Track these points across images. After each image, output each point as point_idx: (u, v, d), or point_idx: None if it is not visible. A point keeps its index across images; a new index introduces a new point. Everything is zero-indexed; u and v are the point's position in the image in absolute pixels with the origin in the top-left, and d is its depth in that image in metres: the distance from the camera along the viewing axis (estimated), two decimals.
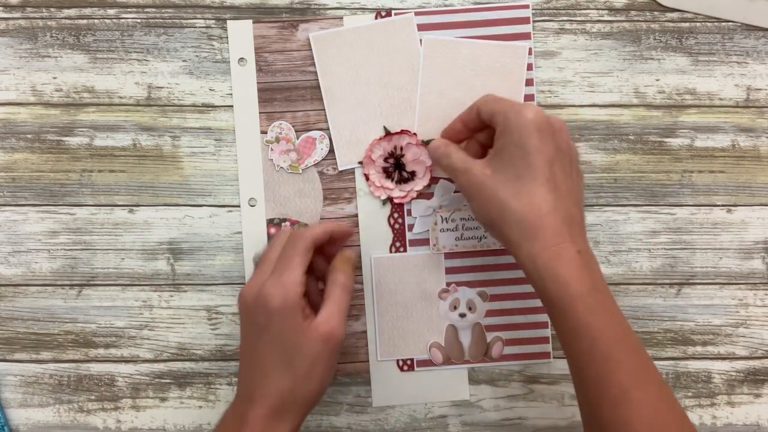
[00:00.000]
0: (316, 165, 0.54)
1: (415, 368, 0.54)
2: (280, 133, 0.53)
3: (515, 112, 0.44)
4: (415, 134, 0.53)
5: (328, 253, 0.49)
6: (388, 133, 0.53)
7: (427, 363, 0.54)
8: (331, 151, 0.53)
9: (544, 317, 0.53)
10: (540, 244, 0.42)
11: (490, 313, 0.54)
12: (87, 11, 0.53)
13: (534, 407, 0.54)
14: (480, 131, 0.49)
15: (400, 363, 0.54)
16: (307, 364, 0.44)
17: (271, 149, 0.53)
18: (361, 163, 0.53)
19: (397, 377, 0.54)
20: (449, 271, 0.54)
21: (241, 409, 0.45)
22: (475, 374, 0.54)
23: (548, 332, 0.54)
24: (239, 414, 0.45)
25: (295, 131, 0.53)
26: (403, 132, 0.53)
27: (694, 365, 0.54)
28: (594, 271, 0.42)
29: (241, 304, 0.46)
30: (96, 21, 0.53)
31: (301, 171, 0.53)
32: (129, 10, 0.53)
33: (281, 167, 0.53)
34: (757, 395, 0.54)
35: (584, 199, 0.47)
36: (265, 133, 0.53)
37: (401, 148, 0.53)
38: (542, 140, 0.43)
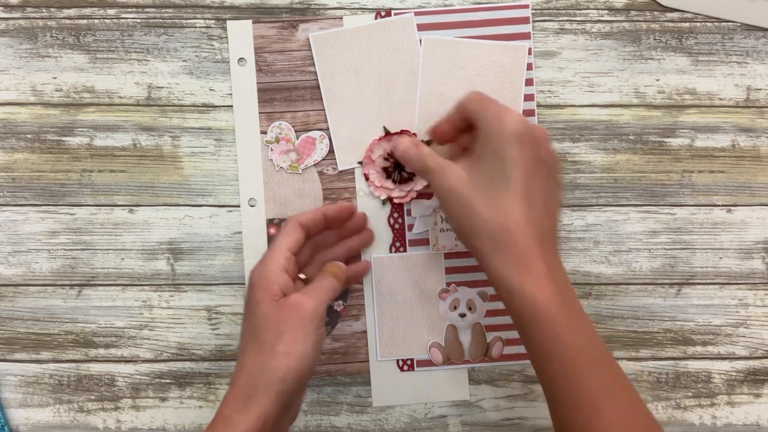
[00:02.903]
0: (316, 165, 0.54)
1: (415, 368, 0.54)
2: (280, 133, 0.53)
3: (496, 118, 0.43)
4: (414, 134, 0.53)
5: (341, 233, 0.52)
6: (388, 133, 0.53)
7: (427, 363, 0.54)
8: (331, 151, 0.53)
9: None
10: (509, 259, 0.41)
11: (490, 313, 0.54)
12: (87, 11, 0.53)
13: (534, 407, 0.54)
14: (465, 133, 0.48)
15: (400, 363, 0.54)
16: (273, 336, 0.42)
17: (271, 149, 0.53)
18: (361, 163, 0.53)
19: (397, 377, 0.54)
20: (449, 271, 0.54)
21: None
22: (475, 374, 0.54)
23: None
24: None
25: (295, 131, 0.53)
26: (403, 132, 0.53)
27: (694, 365, 0.54)
28: (562, 285, 0.42)
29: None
30: (96, 21, 0.53)
31: (300, 171, 0.53)
32: (129, 10, 0.53)
33: (281, 167, 0.53)
34: (757, 395, 0.54)
35: (561, 209, 0.46)
36: (265, 133, 0.53)
37: None
38: (521, 150, 0.42)
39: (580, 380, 0.40)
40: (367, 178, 0.53)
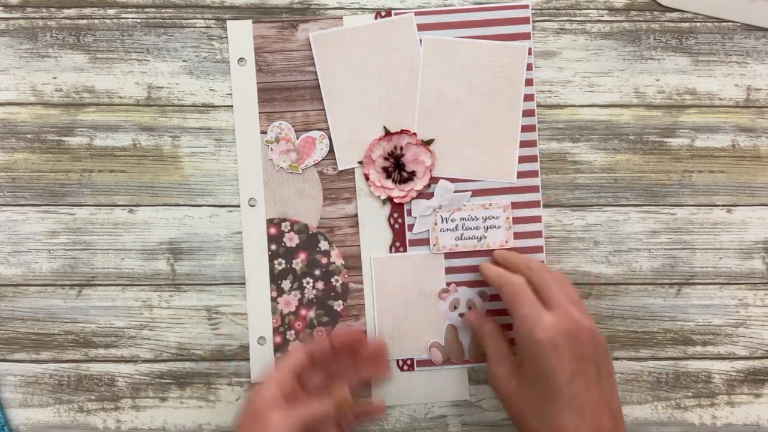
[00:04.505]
0: (316, 165, 0.54)
1: (415, 368, 0.54)
2: (280, 133, 0.53)
3: (527, 330, 0.43)
4: (414, 134, 0.53)
5: (357, 358, 0.50)
6: (388, 133, 0.53)
7: (427, 363, 0.54)
8: (331, 151, 0.53)
9: None
10: None
11: (490, 313, 0.54)
12: (87, 11, 0.53)
13: None
14: None
15: (400, 363, 0.54)
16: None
17: (271, 149, 0.53)
18: (361, 163, 0.53)
19: (397, 377, 0.54)
20: (449, 271, 0.54)
21: None
22: (475, 374, 0.54)
23: None
24: None
25: (295, 131, 0.53)
26: (403, 132, 0.53)
27: (694, 365, 0.54)
28: None
29: None
30: (96, 21, 0.53)
31: (301, 171, 0.53)
32: (129, 10, 0.53)
33: (281, 167, 0.53)
34: (757, 395, 0.54)
35: (616, 382, 0.44)
36: (265, 133, 0.53)
37: (401, 148, 0.53)
38: (559, 357, 0.42)
39: None
40: (367, 178, 0.53)
